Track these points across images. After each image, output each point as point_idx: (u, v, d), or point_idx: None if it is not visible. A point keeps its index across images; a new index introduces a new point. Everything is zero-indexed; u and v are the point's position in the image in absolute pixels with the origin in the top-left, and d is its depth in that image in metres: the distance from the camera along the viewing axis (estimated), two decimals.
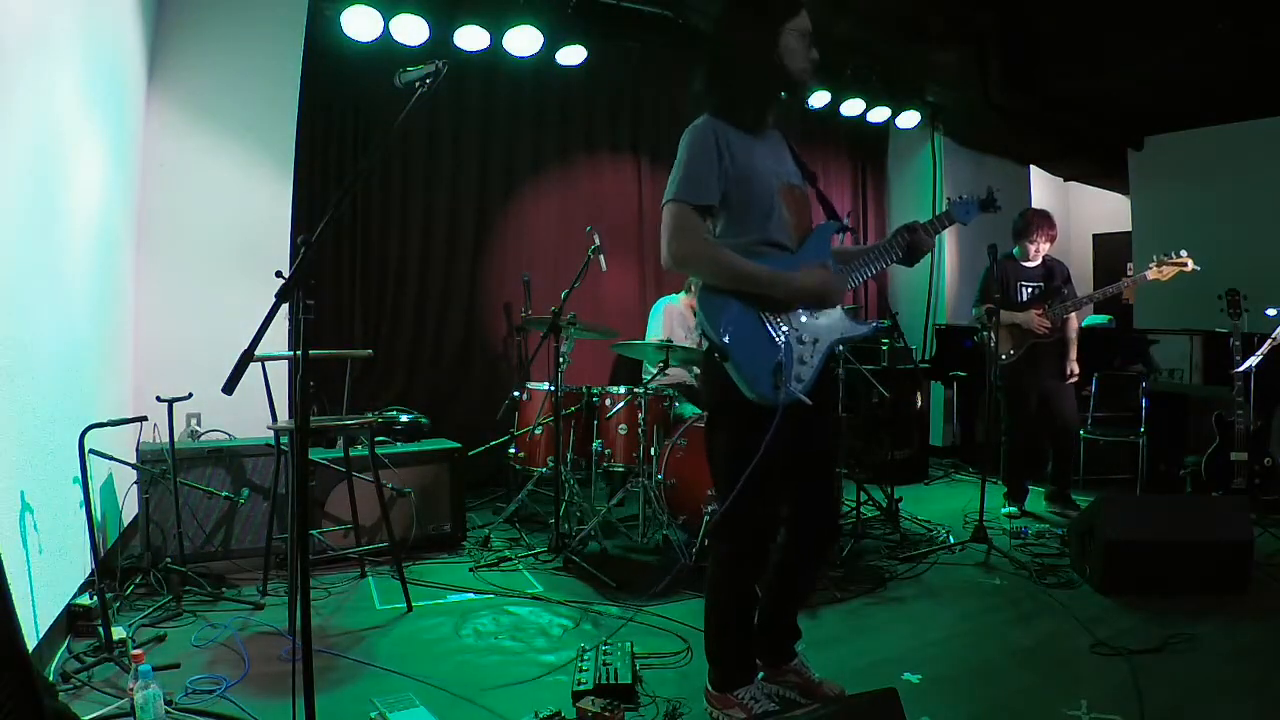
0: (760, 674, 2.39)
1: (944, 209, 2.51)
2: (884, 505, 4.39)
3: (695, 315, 2.21)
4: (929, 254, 2.35)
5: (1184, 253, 4.25)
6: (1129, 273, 7.54)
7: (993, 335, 4.34)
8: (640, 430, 3.97)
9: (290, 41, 4.32)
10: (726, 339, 2.09)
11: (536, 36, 4.86)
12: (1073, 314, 4.58)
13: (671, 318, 5.00)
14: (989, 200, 2.52)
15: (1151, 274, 4.31)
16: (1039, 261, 4.65)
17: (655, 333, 5.04)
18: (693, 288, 4.96)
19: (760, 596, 2.34)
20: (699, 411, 4.17)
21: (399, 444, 4.05)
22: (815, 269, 2.17)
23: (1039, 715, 2.36)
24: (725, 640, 2.28)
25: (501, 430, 4.61)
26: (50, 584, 2.58)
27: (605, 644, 2.65)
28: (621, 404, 4.20)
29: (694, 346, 4.33)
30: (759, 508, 2.14)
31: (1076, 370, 4.65)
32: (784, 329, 2.13)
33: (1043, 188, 8.18)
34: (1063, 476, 4.75)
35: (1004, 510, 4.68)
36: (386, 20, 4.54)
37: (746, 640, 2.30)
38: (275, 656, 2.66)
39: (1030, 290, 4.63)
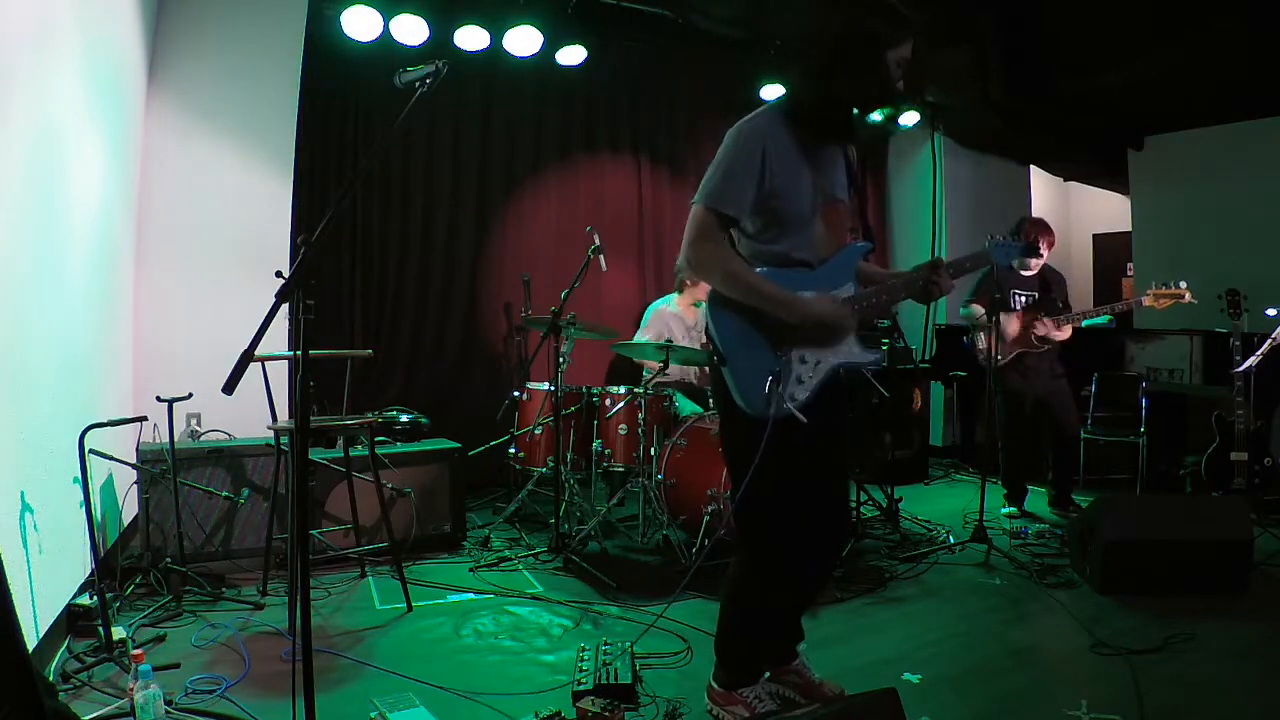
0: (765, 674, 2.39)
1: (982, 248, 2.49)
2: (884, 505, 4.39)
3: (699, 312, 2.21)
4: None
5: (1184, 284, 4.22)
6: (1129, 273, 7.56)
7: (982, 336, 4.34)
8: (640, 430, 3.97)
9: (290, 41, 4.32)
10: (727, 344, 2.09)
11: (536, 36, 4.86)
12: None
13: (664, 320, 4.99)
14: (1031, 247, 2.48)
15: (1148, 301, 4.29)
16: (1035, 270, 4.65)
17: (644, 336, 5.02)
18: (687, 284, 4.96)
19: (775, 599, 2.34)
20: (699, 411, 4.17)
21: (399, 444, 4.04)
22: (829, 302, 2.11)
23: (1039, 715, 2.36)
24: (738, 640, 2.28)
25: (501, 430, 4.61)
26: (50, 584, 2.58)
27: (606, 643, 2.65)
28: (621, 404, 4.20)
29: (693, 346, 4.33)
30: (777, 511, 2.14)
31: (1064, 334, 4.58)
32: (786, 345, 2.12)
33: (1043, 188, 8.18)
34: (1064, 480, 4.75)
35: (1004, 511, 4.68)
36: (386, 20, 4.54)
37: (759, 641, 2.30)
38: (275, 656, 2.66)
39: (1025, 299, 4.64)
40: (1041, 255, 4.58)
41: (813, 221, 2.14)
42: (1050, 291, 4.63)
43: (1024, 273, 4.64)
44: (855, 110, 2.14)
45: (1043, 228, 4.58)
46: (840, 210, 2.23)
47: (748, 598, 2.25)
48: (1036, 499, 4.83)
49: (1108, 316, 6.47)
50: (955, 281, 2.27)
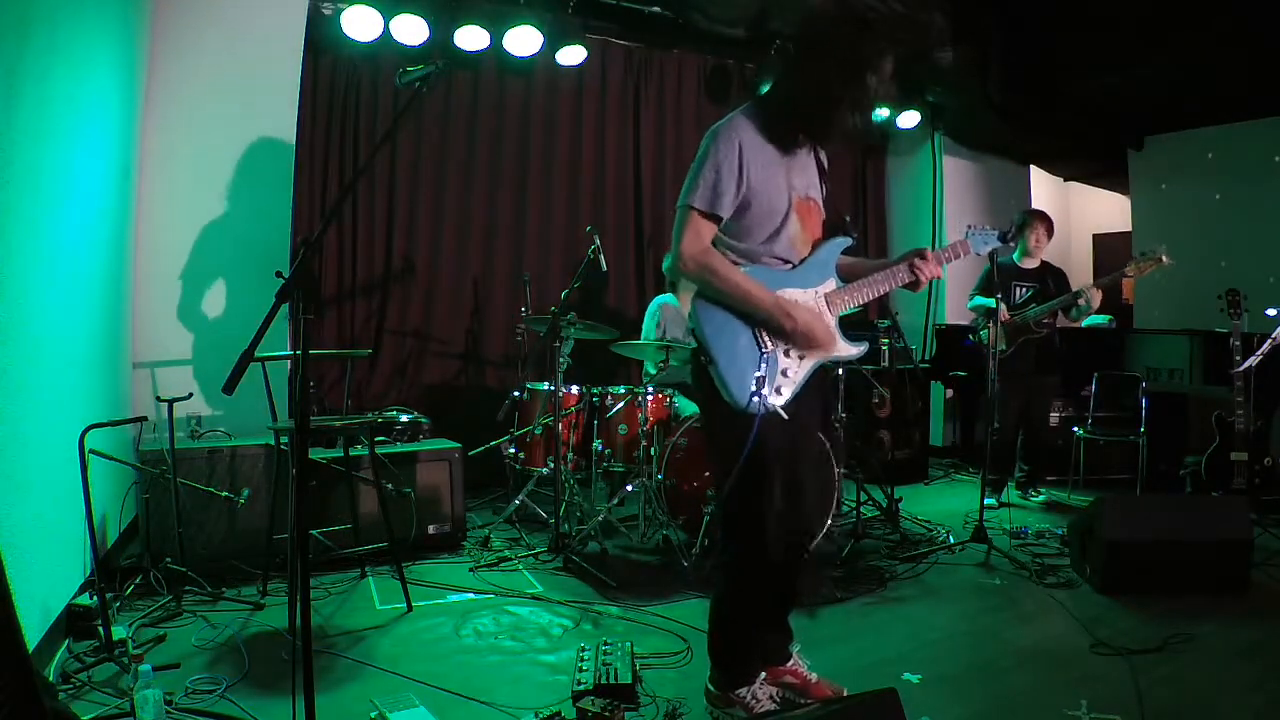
0: (762, 674, 2.39)
1: (962, 237, 2.49)
2: (884, 505, 4.39)
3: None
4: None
5: (1164, 254, 4.33)
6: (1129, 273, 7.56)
7: (989, 329, 4.54)
8: (640, 430, 3.97)
9: (290, 41, 4.32)
10: (713, 344, 2.11)
11: (536, 36, 4.86)
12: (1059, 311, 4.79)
13: (668, 315, 4.98)
14: (1007, 234, 2.52)
15: (1131, 272, 4.42)
16: (1037, 263, 4.87)
17: (650, 331, 5.02)
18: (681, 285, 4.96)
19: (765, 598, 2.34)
20: (699, 411, 4.17)
21: (399, 444, 4.04)
22: (816, 318, 2.14)
23: (1039, 715, 2.36)
24: (730, 640, 2.28)
25: (502, 430, 4.61)
26: (50, 584, 2.58)
27: (606, 643, 2.65)
28: (621, 404, 4.20)
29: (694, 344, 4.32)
30: (761, 509, 2.14)
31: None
32: (771, 340, 2.13)
33: (1043, 188, 8.17)
34: (1033, 466, 5.09)
35: (986, 501, 4.72)
36: (386, 20, 4.54)
37: (751, 641, 2.30)
38: (275, 656, 2.66)
39: (1025, 290, 4.80)
40: (1033, 246, 4.82)
41: (787, 219, 2.17)
42: (1049, 286, 4.83)
43: (1025, 266, 4.85)
44: (828, 114, 2.14)
45: (1038, 214, 4.86)
46: (813, 208, 2.27)
47: (737, 596, 2.25)
48: (1009, 491, 5.03)
49: (1108, 316, 6.53)
50: (940, 269, 2.29)
